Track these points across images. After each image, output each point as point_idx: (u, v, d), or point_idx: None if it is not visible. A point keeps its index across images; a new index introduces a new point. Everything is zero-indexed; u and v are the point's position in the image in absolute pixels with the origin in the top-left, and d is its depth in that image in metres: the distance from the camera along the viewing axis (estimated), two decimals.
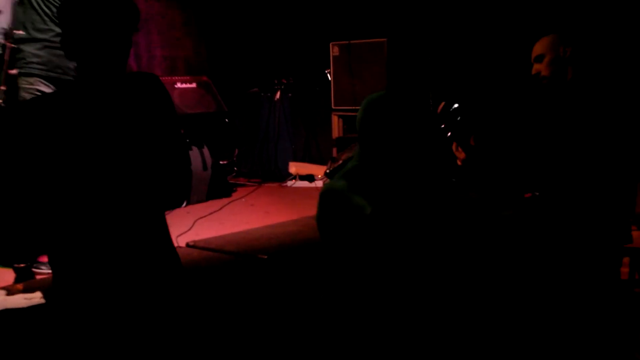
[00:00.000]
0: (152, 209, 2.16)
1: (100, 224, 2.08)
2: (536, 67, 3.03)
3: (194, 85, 6.44)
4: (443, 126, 3.00)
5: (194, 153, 5.74)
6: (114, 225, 2.09)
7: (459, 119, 3.02)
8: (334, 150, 6.76)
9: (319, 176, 6.41)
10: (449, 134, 3.01)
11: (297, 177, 6.56)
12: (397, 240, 2.19)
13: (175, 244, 4.27)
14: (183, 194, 2.23)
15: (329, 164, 5.07)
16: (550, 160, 2.85)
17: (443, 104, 3.09)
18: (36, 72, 3.64)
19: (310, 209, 5.08)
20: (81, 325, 2.06)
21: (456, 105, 3.06)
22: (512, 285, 2.52)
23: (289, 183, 6.55)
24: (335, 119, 6.89)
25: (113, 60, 2.11)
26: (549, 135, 2.91)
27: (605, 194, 2.77)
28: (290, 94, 6.99)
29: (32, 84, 3.62)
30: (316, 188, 6.30)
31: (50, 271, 3.60)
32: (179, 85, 6.28)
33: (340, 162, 4.83)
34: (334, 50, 6.66)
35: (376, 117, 2.34)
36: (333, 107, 6.81)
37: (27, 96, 3.61)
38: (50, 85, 3.58)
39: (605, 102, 2.85)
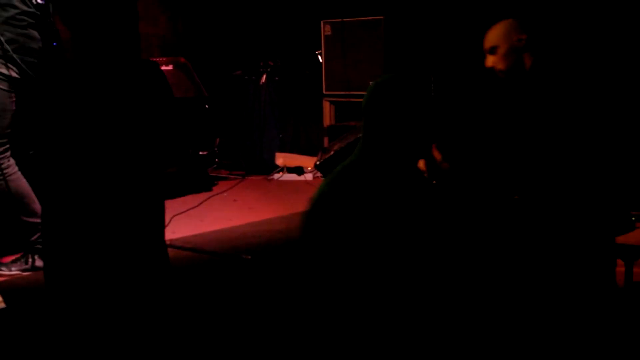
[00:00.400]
0: (148, 204, 2.27)
1: (94, 216, 2.19)
2: (490, 59, 3.02)
3: (170, 67, 6.43)
4: None
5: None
6: (108, 216, 2.20)
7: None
8: (326, 140, 6.76)
9: (309, 168, 6.42)
10: None
11: (285, 169, 6.57)
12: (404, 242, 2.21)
13: None
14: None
15: (319, 155, 5.08)
16: (521, 159, 2.85)
17: None
18: None
19: (299, 204, 5.14)
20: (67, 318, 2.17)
21: None
22: (499, 290, 2.57)
23: (276, 176, 6.57)
24: (326, 106, 6.90)
25: (116, 47, 2.26)
26: (513, 133, 2.91)
27: (586, 188, 2.78)
28: (277, 78, 6.99)
29: None
30: (305, 181, 6.34)
31: (10, 273, 3.69)
32: None
33: (332, 153, 4.85)
34: (326, 30, 6.67)
35: (386, 103, 2.30)
36: (324, 92, 6.81)
37: None
38: (13, 67, 3.60)
39: (571, 91, 2.84)
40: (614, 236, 2.91)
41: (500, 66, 2.99)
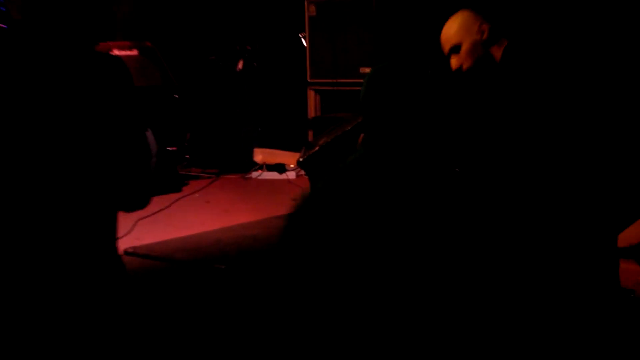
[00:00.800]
0: (103, 208, 2.28)
1: (41, 218, 2.19)
2: (454, 60, 3.00)
3: (134, 52, 6.46)
4: None
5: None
6: (55, 221, 2.20)
7: None
8: (310, 134, 6.78)
9: (291, 166, 6.43)
10: None
11: (264, 166, 6.58)
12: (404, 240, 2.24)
13: None
14: (145, 193, 2.34)
15: (302, 151, 5.07)
16: (501, 160, 2.89)
17: None
18: None
19: (280, 207, 5.13)
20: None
21: None
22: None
23: (254, 174, 6.58)
24: (311, 95, 6.91)
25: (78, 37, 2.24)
26: (490, 134, 2.93)
27: (578, 185, 2.81)
28: (255, 64, 7.01)
29: None
30: (287, 180, 6.35)
31: None
32: (116, 52, 6.26)
33: (317, 148, 4.84)
34: (310, 10, 6.67)
35: (387, 92, 2.30)
36: (309, 80, 6.83)
37: None
38: None
39: (550, 81, 2.84)
40: (615, 235, 2.92)
41: (467, 64, 2.97)
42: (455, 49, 2.98)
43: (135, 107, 2.29)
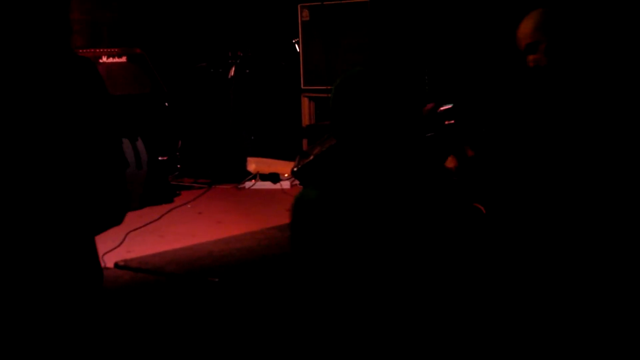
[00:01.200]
0: (79, 224, 2.26)
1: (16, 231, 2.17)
2: (532, 57, 3.07)
3: (123, 59, 6.49)
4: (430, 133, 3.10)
5: (125, 146, 5.73)
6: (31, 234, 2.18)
7: (452, 122, 3.13)
8: (304, 142, 6.79)
9: (285, 175, 6.41)
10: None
11: (258, 176, 6.57)
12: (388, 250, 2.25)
13: (102, 264, 4.47)
14: (120, 210, 2.31)
15: (297, 160, 5.04)
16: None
17: (432, 105, 3.17)
18: None
19: (274, 217, 5.27)
20: None
21: (449, 107, 3.16)
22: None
23: (247, 184, 6.57)
24: (305, 103, 6.91)
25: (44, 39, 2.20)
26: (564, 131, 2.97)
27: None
28: (247, 70, 7.02)
29: None
30: (282, 190, 6.34)
31: None
32: (104, 59, 6.35)
33: (312, 157, 4.83)
34: (304, 14, 6.69)
35: (355, 100, 2.30)
36: (302, 86, 6.85)
37: None
38: None
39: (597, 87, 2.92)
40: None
41: (543, 62, 3.03)
42: (533, 46, 3.04)
43: (107, 112, 2.24)
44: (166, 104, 6.67)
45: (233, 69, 6.91)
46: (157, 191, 6.06)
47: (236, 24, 7.33)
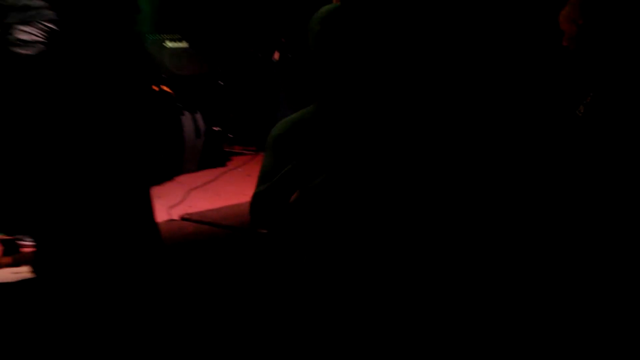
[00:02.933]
0: (137, 181, 2.38)
1: (80, 196, 2.30)
2: (564, 40, 2.86)
3: (185, 44, 6.52)
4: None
5: (186, 118, 5.92)
6: (95, 197, 2.30)
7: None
8: None
9: None
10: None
11: None
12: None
13: (168, 216, 4.62)
14: (174, 165, 2.24)
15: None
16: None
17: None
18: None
19: None
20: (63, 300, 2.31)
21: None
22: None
23: None
24: None
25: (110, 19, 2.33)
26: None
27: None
28: (290, 55, 6.94)
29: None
30: None
31: (34, 243, 3.74)
32: (168, 43, 6.37)
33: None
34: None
35: (339, 32, 1.97)
36: None
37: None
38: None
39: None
40: None
41: (572, 46, 2.82)
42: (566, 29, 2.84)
43: (158, 75, 2.11)
44: (221, 83, 6.81)
45: (277, 53, 6.94)
46: (213, 157, 6.19)
47: (280, 13, 7.23)
